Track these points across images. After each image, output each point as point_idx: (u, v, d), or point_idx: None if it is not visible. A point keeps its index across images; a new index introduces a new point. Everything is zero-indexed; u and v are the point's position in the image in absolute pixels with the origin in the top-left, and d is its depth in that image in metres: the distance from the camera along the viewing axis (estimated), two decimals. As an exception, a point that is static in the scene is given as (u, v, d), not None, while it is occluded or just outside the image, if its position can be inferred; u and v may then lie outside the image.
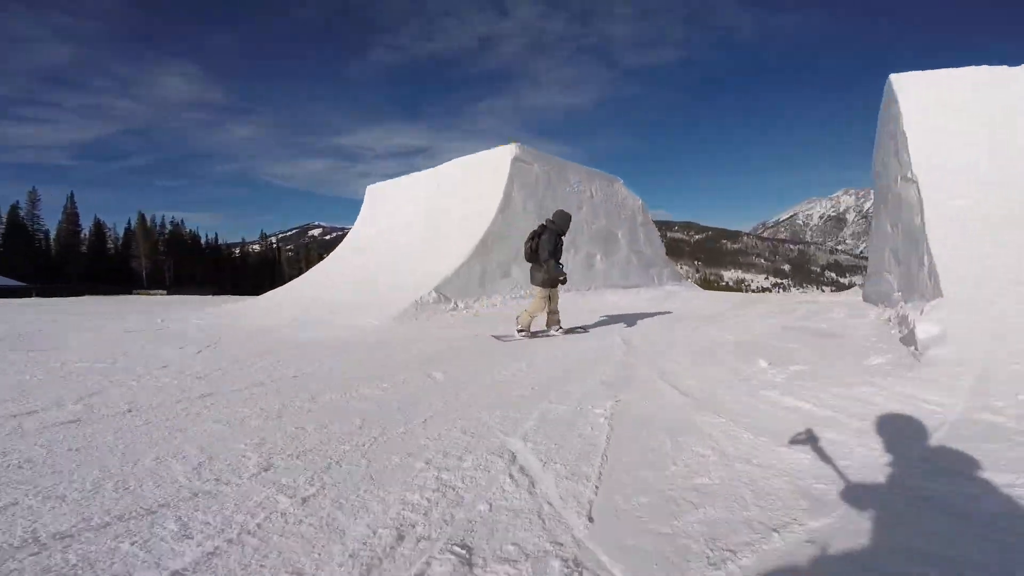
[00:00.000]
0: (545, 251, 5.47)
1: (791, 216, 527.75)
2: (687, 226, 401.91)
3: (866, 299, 7.85)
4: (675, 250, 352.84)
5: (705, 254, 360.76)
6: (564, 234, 5.71)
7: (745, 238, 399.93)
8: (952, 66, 6.80)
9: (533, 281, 5.67)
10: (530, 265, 5.71)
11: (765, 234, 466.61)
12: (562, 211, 5.73)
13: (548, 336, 5.73)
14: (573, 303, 9.00)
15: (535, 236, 5.62)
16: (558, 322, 5.82)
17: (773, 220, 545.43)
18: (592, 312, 7.99)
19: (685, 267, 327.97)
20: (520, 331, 5.57)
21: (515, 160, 11.40)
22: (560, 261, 5.65)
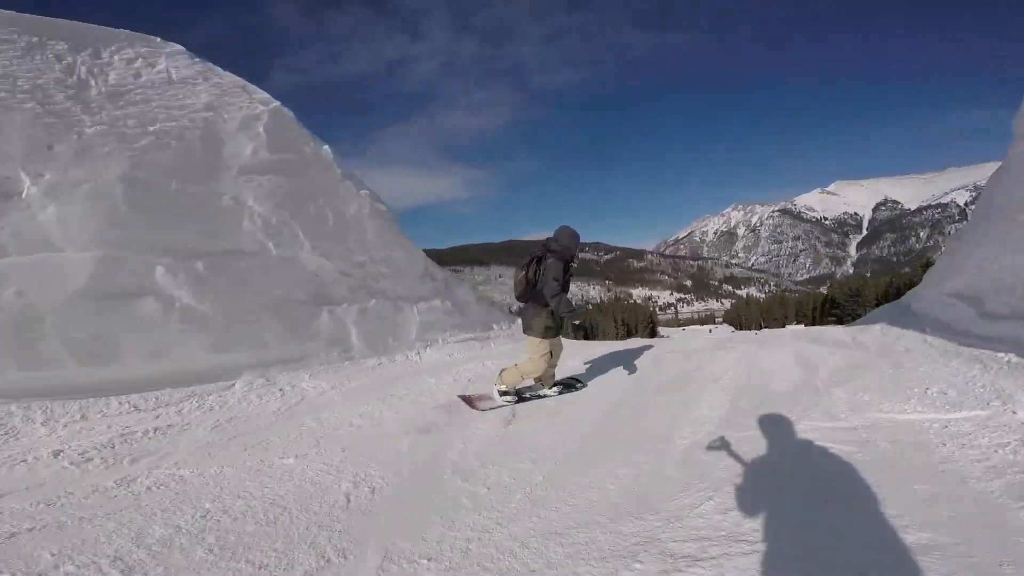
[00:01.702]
0: (554, 284, 4.01)
1: (689, 233, 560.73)
2: (596, 246, 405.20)
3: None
4: (586, 271, 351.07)
5: (615, 274, 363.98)
6: (574, 261, 4.22)
7: (649, 256, 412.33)
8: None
9: (528, 329, 4.24)
10: (523, 307, 4.31)
11: (667, 251, 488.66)
12: (568, 228, 4.21)
13: (540, 397, 4.40)
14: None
15: (532, 264, 4.15)
16: (553, 376, 4.51)
17: (673, 238, 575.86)
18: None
19: (597, 287, 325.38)
20: (503, 392, 4.19)
21: None
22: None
